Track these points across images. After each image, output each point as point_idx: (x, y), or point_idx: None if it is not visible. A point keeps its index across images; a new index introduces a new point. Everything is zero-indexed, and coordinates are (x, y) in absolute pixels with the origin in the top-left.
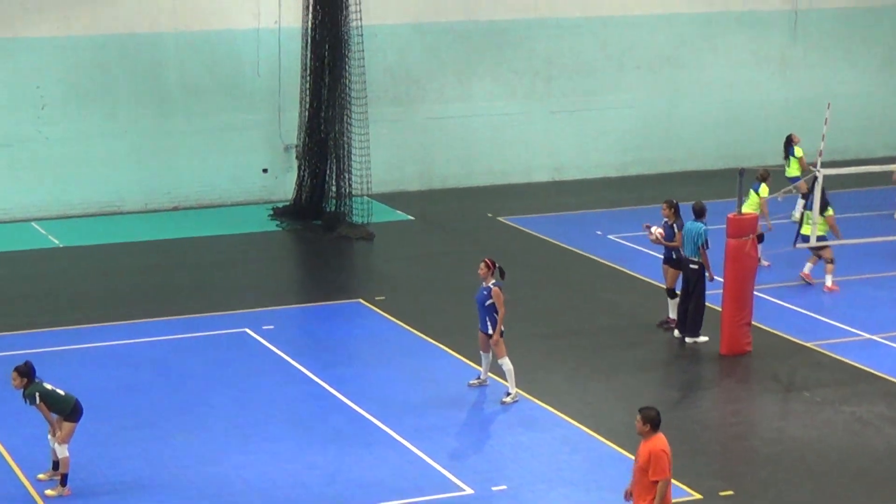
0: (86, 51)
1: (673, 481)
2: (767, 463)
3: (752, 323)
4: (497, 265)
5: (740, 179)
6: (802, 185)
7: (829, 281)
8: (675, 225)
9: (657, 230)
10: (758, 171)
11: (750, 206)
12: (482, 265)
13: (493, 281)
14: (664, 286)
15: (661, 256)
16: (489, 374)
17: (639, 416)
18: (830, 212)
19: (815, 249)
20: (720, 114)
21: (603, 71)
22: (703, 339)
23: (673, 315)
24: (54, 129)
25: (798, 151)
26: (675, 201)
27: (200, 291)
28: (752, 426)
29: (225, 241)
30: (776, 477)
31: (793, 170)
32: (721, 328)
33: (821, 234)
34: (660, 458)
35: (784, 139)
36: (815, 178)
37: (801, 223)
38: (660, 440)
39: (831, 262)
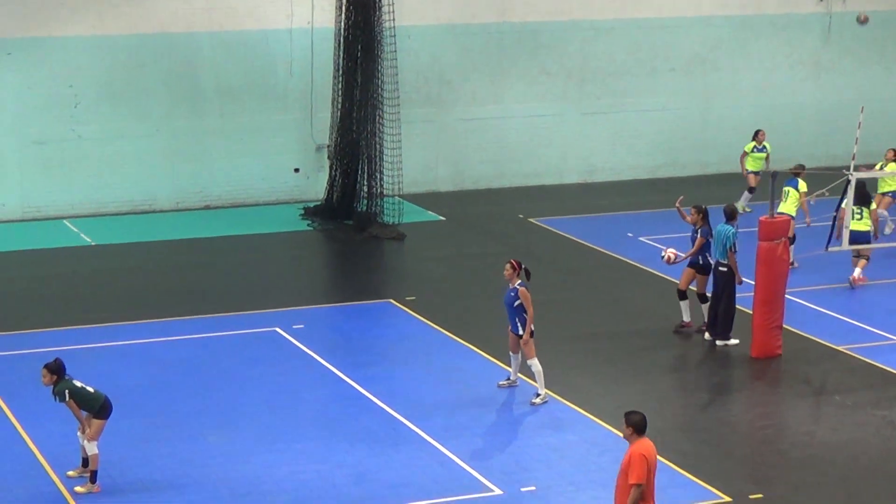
0: (120, 50)
1: (703, 484)
2: (798, 467)
3: (783, 326)
4: (523, 266)
5: (772, 182)
6: (751, 178)
7: (857, 273)
8: (700, 231)
9: (669, 252)
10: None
11: (791, 203)
12: (508, 266)
13: (519, 281)
14: (695, 289)
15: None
16: (518, 374)
17: (624, 420)
18: (874, 206)
19: (859, 249)
20: (753, 117)
21: (636, 73)
22: (733, 341)
23: (687, 318)
24: (87, 129)
25: (748, 146)
26: (703, 206)
27: (231, 290)
28: (782, 430)
29: (256, 240)
30: (806, 481)
31: (751, 164)
32: (752, 331)
33: (865, 229)
34: (637, 462)
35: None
36: (848, 180)
37: (833, 222)
38: (642, 444)
39: (867, 258)
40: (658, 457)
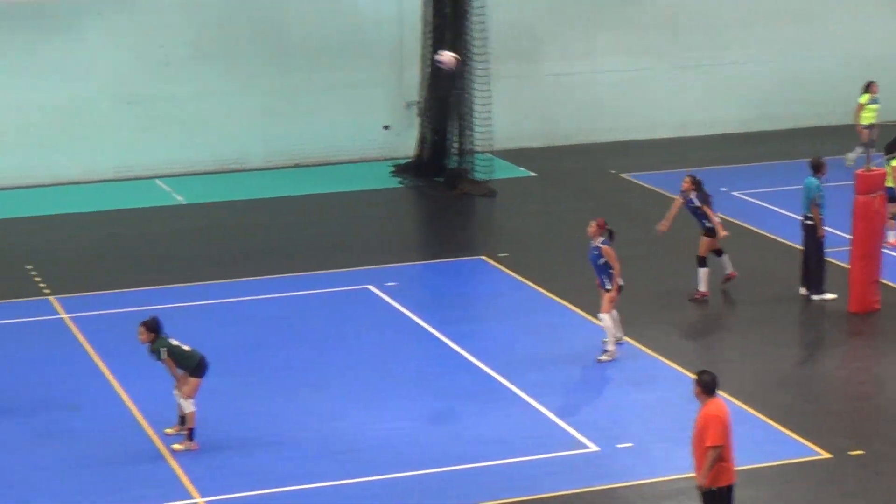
0: (209, 9)
1: (801, 440)
2: None
3: (881, 280)
4: (608, 226)
5: (869, 135)
6: (863, 133)
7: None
8: (696, 198)
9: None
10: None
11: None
12: (593, 223)
13: (602, 239)
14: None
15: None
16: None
17: (694, 380)
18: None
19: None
20: (848, 68)
21: (729, 26)
22: (830, 296)
23: (703, 288)
24: (178, 88)
25: (863, 98)
26: (698, 177)
27: (322, 248)
28: (881, 385)
29: (346, 197)
30: None
31: (866, 117)
32: (849, 285)
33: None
34: (713, 424)
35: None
36: None
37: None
38: (714, 405)
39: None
40: (751, 411)
